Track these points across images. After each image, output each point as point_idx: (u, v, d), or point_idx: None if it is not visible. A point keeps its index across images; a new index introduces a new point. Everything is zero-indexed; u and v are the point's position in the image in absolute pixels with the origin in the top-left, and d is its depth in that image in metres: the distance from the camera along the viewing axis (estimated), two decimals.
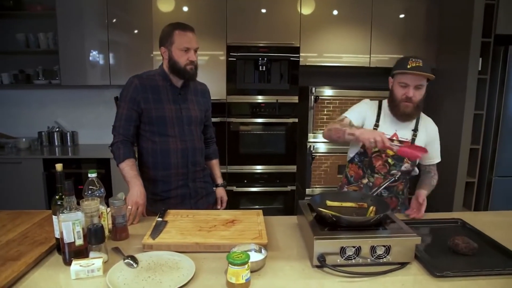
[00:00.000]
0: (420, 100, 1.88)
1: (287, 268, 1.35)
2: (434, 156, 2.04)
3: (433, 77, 1.83)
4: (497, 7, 3.19)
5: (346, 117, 2.01)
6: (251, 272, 1.25)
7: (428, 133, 2.00)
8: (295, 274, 1.32)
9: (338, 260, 1.33)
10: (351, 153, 2.09)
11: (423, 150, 1.81)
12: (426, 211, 1.88)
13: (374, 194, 1.84)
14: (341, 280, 1.28)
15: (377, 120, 2.00)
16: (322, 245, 1.31)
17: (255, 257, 1.31)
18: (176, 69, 1.96)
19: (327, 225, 1.45)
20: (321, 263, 1.30)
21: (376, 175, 1.98)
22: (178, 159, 2.03)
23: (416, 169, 2.07)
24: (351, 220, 1.43)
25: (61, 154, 3.80)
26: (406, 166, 1.96)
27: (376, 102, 2.07)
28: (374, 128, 1.99)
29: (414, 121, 1.99)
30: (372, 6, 3.58)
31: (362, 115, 2.03)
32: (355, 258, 1.33)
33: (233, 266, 1.16)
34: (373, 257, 1.34)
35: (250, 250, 1.37)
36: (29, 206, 3.54)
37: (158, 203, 2.03)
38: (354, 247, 1.32)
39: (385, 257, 1.34)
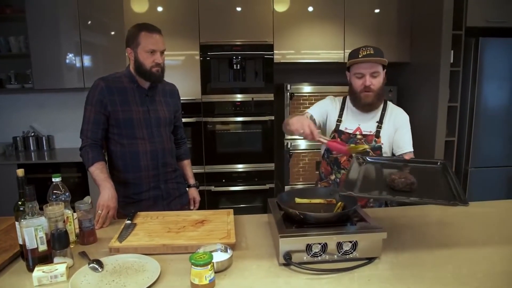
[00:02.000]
0: (379, 88, 1.89)
1: (254, 267, 1.35)
2: (402, 145, 1.98)
3: (385, 61, 1.86)
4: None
5: (307, 112, 2.03)
6: (217, 272, 1.24)
7: (394, 123, 1.98)
8: (261, 273, 1.31)
9: (305, 258, 1.32)
10: (322, 150, 2.10)
11: (345, 146, 1.79)
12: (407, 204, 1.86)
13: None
14: (308, 277, 1.27)
15: (340, 115, 2.01)
16: (288, 243, 1.31)
17: (220, 257, 1.30)
18: (142, 71, 1.94)
19: (294, 223, 1.45)
20: (287, 261, 1.30)
21: (342, 171, 1.99)
22: (148, 161, 2.01)
23: None
24: (317, 216, 1.43)
25: (37, 159, 3.74)
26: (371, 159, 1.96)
27: (340, 98, 2.09)
28: (337, 124, 2.00)
29: (379, 113, 1.99)
30: (345, 1, 3.59)
31: (324, 110, 2.05)
32: (321, 255, 1.33)
33: (196, 267, 1.15)
34: (339, 253, 1.34)
35: (216, 250, 1.36)
36: (2, 213, 3.47)
37: (130, 205, 2.00)
38: (320, 243, 1.32)
39: (351, 253, 1.34)
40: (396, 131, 1.98)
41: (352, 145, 1.86)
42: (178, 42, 3.40)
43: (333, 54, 3.66)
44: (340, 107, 2.05)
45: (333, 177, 2.04)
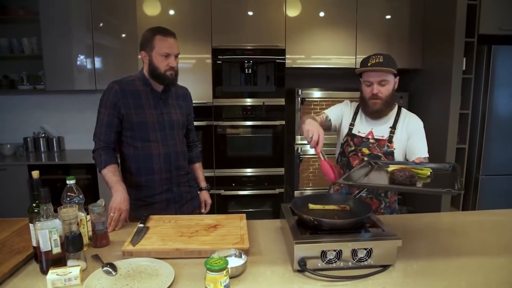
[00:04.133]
0: (388, 96, 1.90)
1: (268, 273, 1.34)
2: (417, 151, 1.95)
3: (392, 71, 1.86)
4: (479, 7, 3.21)
5: (324, 112, 2.05)
6: (231, 277, 1.23)
7: (408, 129, 1.98)
8: (275, 278, 1.30)
9: (319, 264, 1.31)
10: (336, 153, 2.10)
11: (335, 175, 1.71)
12: (417, 212, 1.85)
13: (357, 196, 1.83)
14: (322, 284, 1.26)
15: (353, 119, 2.03)
16: (303, 249, 1.30)
17: (235, 262, 1.30)
18: (156, 75, 1.95)
19: (308, 229, 1.44)
20: (302, 267, 1.29)
21: None
22: (161, 164, 2.01)
23: None
24: (331, 223, 1.42)
25: (48, 160, 3.76)
26: None
27: (356, 104, 2.10)
28: (349, 128, 2.01)
29: (392, 119, 1.99)
30: (357, 7, 3.59)
31: (340, 113, 2.07)
32: (336, 261, 1.32)
33: (211, 273, 1.14)
34: (354, 260, 1.33)
35: (230, 255, 1.35)
36: (13, 214, 3.44)
37: (142, 208, 2.01)
38: (335, 250, 1.31)
39: (366, 260, 1.33)
40: (409, 137, 1.97)
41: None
42: (190, 45, 3.41)
43: (345, 59, 3.65)
44: (354, 111, 2.06)
45: None
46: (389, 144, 1.96)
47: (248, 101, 3.54)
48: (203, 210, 2.29)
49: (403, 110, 2.03)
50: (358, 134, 2.00)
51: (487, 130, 3.34)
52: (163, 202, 2.07)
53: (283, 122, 3.58)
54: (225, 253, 1.36)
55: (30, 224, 1.38)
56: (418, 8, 3.66)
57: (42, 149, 4.10)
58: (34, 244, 1.38)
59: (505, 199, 3.46)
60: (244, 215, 1.81)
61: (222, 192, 3.58)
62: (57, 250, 1.32)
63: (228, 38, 3.47)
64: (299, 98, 3.51)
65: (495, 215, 2.00)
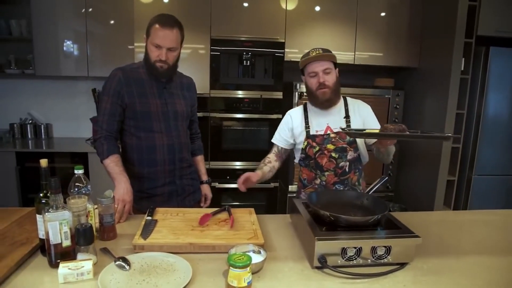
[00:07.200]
0: (334, 84, 1.93)
1: (286, 269, 1.31)
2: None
3: (334, 57, 1.93)
4: (479, 8, 3.23)
5: (274, 144, 2.14)
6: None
7: (360, 114, 2.00)
8: (294, 275, 1.28)
9: (339, 261, 1.30)
10: (297, 159, 2.12)
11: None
12: (409, 210, 1.86)
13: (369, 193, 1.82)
14: (342, 281, 1.25)
15: (306, 122, 2.03)
16: (324, 246, 1.28)
17: (254, 258, 1.26)
18: (147, 63, 1.90)
19: (324, 225, 1.42)
20: (322, 264, 1.27)
21: (326, 173, 1.98)
22: (165, 155, 1.96)
23: (366, 155, 2.05)
24: (350, 220, 1.40)
25: (35, 148, 3.64)
26: (350, 154, 1.96)
27: (301, 107, 2.11)
28: (306, 131, 2.01)
29: (343, 109, 2.00)
30: (358, 3, 3.56)
31: (286, 132, 2.09)
32: (355, 258, 1.30)
33: (234, 269, 1.10)
34: (373, 257, 1.32)
35: (248, 251, 1.32)
36: (1, 202, 3.37)
37: (144, 200, 1.95)
38: (355, 247, 1.29)
39: (385, 257, 1.32)
40: (364, 122, 1.99)
41: None
42: (188, 35, 3.25)
43: (344, 55, 3.63)
44: (303, 114, 2.05)
45: (318, 181, 2.02)
46: None
47: (245, 94, 3.48)
48: (202, 204, 2.24)
49: (349, 99, 2.05)
50: (317, 134, 1.99)
51: (481, 131, 3.36)
52: (165, 195, 2.01)
53: (280, 116, 3.52)
54: (243, 248, 1.33)
55: (38, 215, 1.31)
56: (418, 6, 3.66)
57: (29, 136, 3.96)
58: (42, 236, 1.32)
59: (496, 199, 3.52)
60: (253, 209, 1.78)
61: (217, 185, 3.53)
62: (67, 243, 1.26)
63: (227, 29, 3.40)
64: (297, 92, 3.48)
65: (498, 215, 2.03)
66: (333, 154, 1.95)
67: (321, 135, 1.98)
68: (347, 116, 1.98)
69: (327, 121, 1.99)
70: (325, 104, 1.96)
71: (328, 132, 1.97)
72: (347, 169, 1.97)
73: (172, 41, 1.85)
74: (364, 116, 2.00)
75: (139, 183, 1.97)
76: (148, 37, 1.86)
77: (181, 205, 2.00)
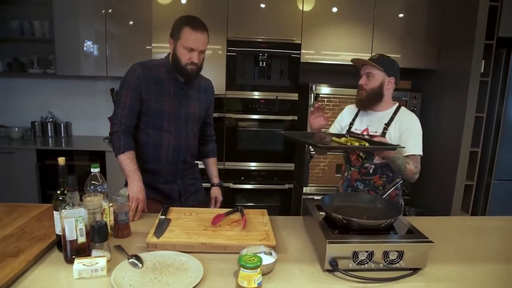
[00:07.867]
0: (371, 90, 2.00)
1: (296, 271, 1.31)
2: (407, 147, 1.91)
3: (378, 68, 1.97)
4: (500, 9, 3.17)
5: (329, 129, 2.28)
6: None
7: (400, 127, 1.98)
8: (305, 277, 1.28)
9: (350, 265, 1.29)
10: None
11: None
12: (426, 214, 1.85)
13: (384, 196, 1.81)
14: (353, 285, 1.24)
15: (353, 120, 2.14)
16: (335, 249, 1.27)
17: (265, 259, 1.27)
18: (177, 66, 1.89)
19: (336, 228, 1.42)
20: (333, 267, 1.26)
21: (352, 168, 2.09)
22: (169, 155, 1.97)
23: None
24: (362, 223, 1.40)
25: (55, 145, 3.73)
26: (377, 158, 1.99)
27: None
28: (349, 126, 2.14)
29: (389, 116, 2.02)
30: (375, 4, 3.53)
31: (337, 124, 2.23)
32: (367, 263, 1.30)
33: (245, 270, 1.11)
34: (385, 262, 1.31)
35: (259, 252, 1.33)
36: (21, 198, 3.46)
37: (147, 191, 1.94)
38: (367, 251, 1.28)
39: (398, 262, 1.31)
40: (401, 135, 1.97)
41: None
42: None
43: (360, 56, 3.58)
44: (356, 112, 2.15)
45: (346, 173, 2.15)
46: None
47: (261, 95, 3.49)
48: (212, 207, 2.22)
49: (402, 109, 2.05)
50: (354, 132, 2.09)
51: (501, 135, 3.30)
52: (165, 192, 2.03)
53: (296, 117, 3.54)
54: (254, 249, 1.33)
55: (55, 212, 1.34)
56: (437, 7, 3.61)
57: (49, 134, 4.05)
58: (58, 232, 1.35)
59: None
60: (266, 210, 1.78)
61: (231, 185, 3.55)
62: (82, 239, 1.29)
63: (243, 30, 3.41)
64: (313, 94, 3.47)
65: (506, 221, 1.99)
66: (361, 154, 2.04)
67: (356, 133, 2.07)
68: (387, 124, 2.00)
69: (368, 124, 2.07)
70: (359, 104, 2.08)
71: (365, 133, 2.04)
72: (371, 171, 2.02)
73: (204, 44, 1.88)
74: (403, 130, 1.97)
75: (143, 176, 1.94)
76: (178, 40, 1.85)
77: (184, 205, 2.00)
